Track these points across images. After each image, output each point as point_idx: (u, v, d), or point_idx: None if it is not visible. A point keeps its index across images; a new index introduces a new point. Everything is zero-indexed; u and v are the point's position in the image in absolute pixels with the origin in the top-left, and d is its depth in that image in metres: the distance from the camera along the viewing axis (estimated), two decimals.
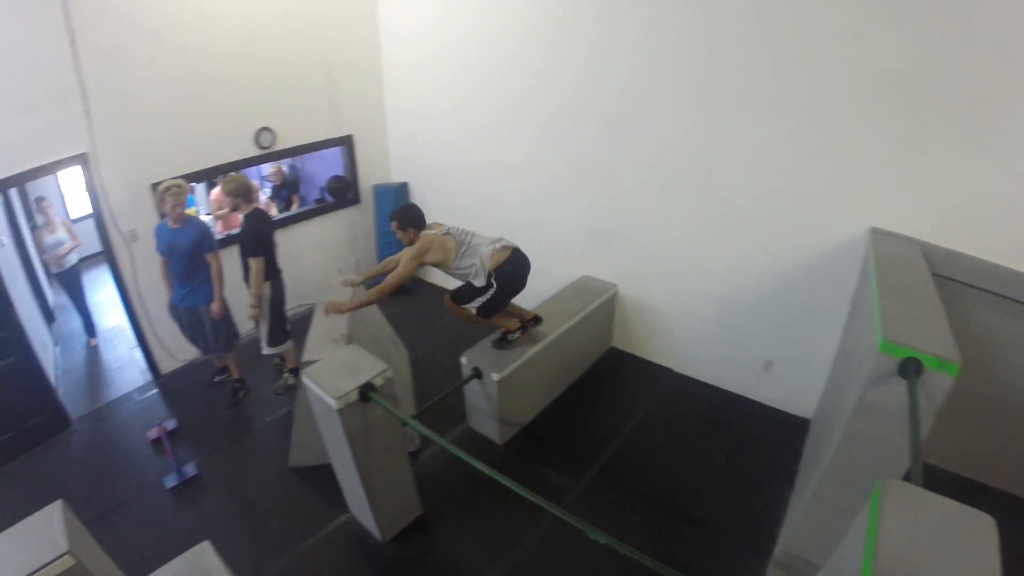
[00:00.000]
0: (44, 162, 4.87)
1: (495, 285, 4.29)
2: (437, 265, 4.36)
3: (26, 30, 4.51)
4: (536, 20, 5.34)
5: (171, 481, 4.79)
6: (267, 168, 7.52)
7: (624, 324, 5.76)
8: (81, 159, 5.06)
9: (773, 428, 4.92)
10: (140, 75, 5.16)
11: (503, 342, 4.77)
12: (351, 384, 3.37)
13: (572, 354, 5.33)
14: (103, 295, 8.09)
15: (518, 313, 4.85)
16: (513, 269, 4.34)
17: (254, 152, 6.09)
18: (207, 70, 5.59)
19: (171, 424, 5.41)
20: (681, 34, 4.55)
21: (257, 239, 4.83)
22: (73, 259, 6.93)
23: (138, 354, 6.40)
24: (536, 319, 4.88)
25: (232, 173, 5.26)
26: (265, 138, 6.08)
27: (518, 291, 4.49)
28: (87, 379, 6.56)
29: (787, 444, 4.67)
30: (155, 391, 6.04)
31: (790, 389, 4.95)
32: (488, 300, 4.36)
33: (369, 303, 4.37)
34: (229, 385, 5.68)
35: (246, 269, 4.97)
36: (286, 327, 5.30)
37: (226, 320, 5.24)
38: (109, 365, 6.74)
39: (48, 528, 2.50)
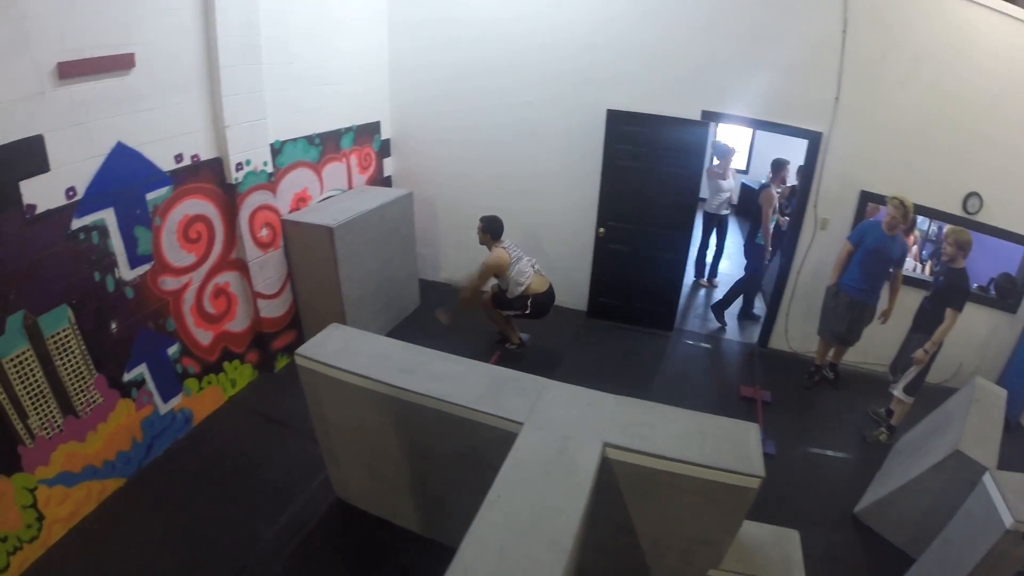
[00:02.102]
0: (785, 122, 5.44)
1: (529, 307, 5.35)
2: (498, 276, 5.33)
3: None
4: None
5: None
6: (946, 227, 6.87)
7: None
8: (813, 136, 5.37)
9: None
10: (890, 92, 5.15)
11: (502, 346, 5.82)
12: None
13: None
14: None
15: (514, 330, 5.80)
16: (544, 301, 5.41)
17: (955, 211, 5.62)
18: (953, 107, 5.18)
19: (766, 395, 5.34)
20: None
21: (964, 296, 4.63)
22: (728, 208, 7.43)
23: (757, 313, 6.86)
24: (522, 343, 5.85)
25: (959, 229, 4.91)
26: (972, 204, 5.59)
27: (541, 316, 5.47)
28: (688, 306, 7.13)
29: None
30: (751, 354, 6.15)
31: None
32: (517, 313, 5.43)
33: (470, 300, 5.45)
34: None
35: (929, 313, 4.79)
36: (922, 383, 4.96)
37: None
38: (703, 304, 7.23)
39: (747, 442, 2.61)
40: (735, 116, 5.60)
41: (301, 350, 3.18)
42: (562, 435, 2.48)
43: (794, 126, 5.43)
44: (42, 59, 3.00)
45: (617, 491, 2.62)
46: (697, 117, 5.53)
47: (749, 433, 2.65)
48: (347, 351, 3.15)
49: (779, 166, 6.58)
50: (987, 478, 3.12)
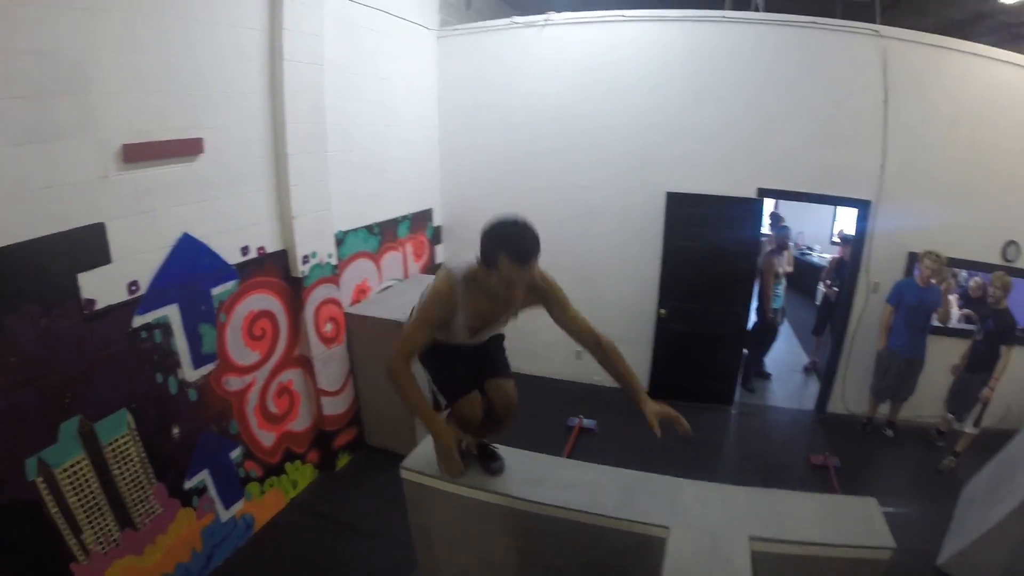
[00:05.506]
0: (835, 193, 5.28)
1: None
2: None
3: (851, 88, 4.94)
4: None
5: None
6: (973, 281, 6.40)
7: None
8: (862, 205, 5.22)
9: None
10: (931, 155, 5.00)
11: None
12: None
13: None
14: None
15: None
16: None
17: (995, 260, 5.25)
18: (990, 163, 4.98)
19: (835, 461, 4.95)
20: None
21: (1015, 331, 4.69)
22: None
23: (811, 381, 6.51)
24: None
25: (1002, 273, 4.80)
26: (1011, 252, 5.26)
27: None
28: None
29: None
30: (811, 420, 5.76)
31: None
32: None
33: None
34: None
35: (984, 354, 4.79)
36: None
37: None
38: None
39: (872, 516, 2.45)
40: (790, 192, 5.42)
41: (406, 463, 2.70)
42: (709, 534, 2.31)
43: (845, 196, 5.33)
44: (107, 139, 2.66)
45: None
46: (753, 195, 5.32)
47: (870, 507, 2.57)
48: None
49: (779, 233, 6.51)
50: None
